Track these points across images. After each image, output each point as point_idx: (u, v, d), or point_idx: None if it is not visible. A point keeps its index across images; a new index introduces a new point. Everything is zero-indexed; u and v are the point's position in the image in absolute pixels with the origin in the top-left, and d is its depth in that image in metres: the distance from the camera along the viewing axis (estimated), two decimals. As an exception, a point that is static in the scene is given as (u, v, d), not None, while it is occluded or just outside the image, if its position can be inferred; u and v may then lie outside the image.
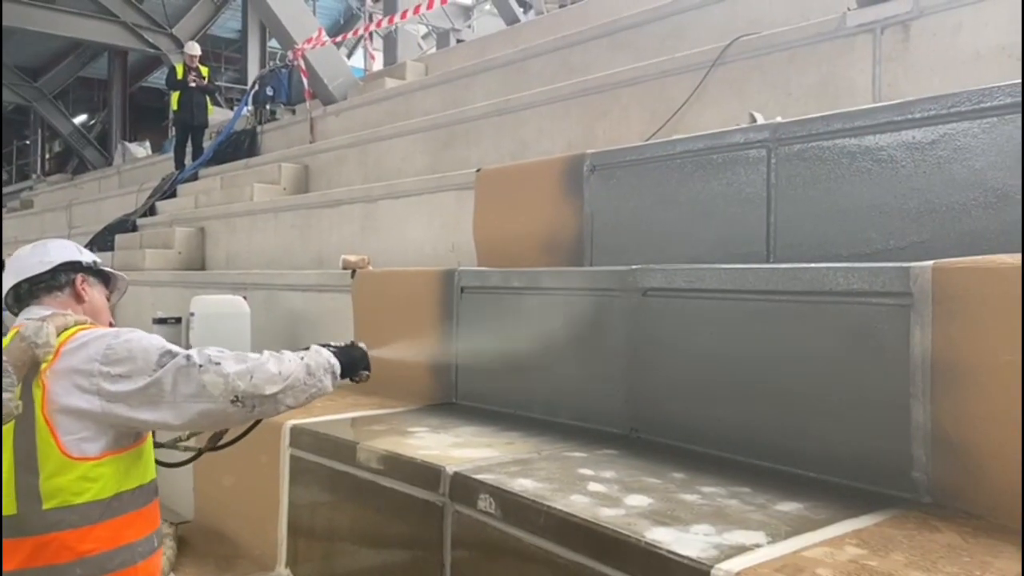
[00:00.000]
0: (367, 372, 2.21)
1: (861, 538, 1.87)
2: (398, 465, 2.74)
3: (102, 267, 2.19)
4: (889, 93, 3.93)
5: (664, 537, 1.89)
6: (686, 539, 1.88)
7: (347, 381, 2.15)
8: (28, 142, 28.07)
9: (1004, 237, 2.54)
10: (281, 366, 1.91)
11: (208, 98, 11.59)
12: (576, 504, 2.15)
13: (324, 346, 2.12)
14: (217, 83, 15.72)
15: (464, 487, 2.45)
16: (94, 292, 2.13)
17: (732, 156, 3.35)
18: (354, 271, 4.57)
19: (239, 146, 10.99)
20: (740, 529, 1.94)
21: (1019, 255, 2.02)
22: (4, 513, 1.76)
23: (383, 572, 2.83)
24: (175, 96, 11.32)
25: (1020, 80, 2.56)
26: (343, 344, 2.20)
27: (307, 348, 2.10)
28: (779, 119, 3.47)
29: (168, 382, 1.79)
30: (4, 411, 1.72)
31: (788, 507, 2.11)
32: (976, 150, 2.66)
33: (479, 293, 3.68)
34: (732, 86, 4.69)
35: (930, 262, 2.15)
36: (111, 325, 2.11)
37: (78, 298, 2.07)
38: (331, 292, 4.96)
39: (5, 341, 1.87)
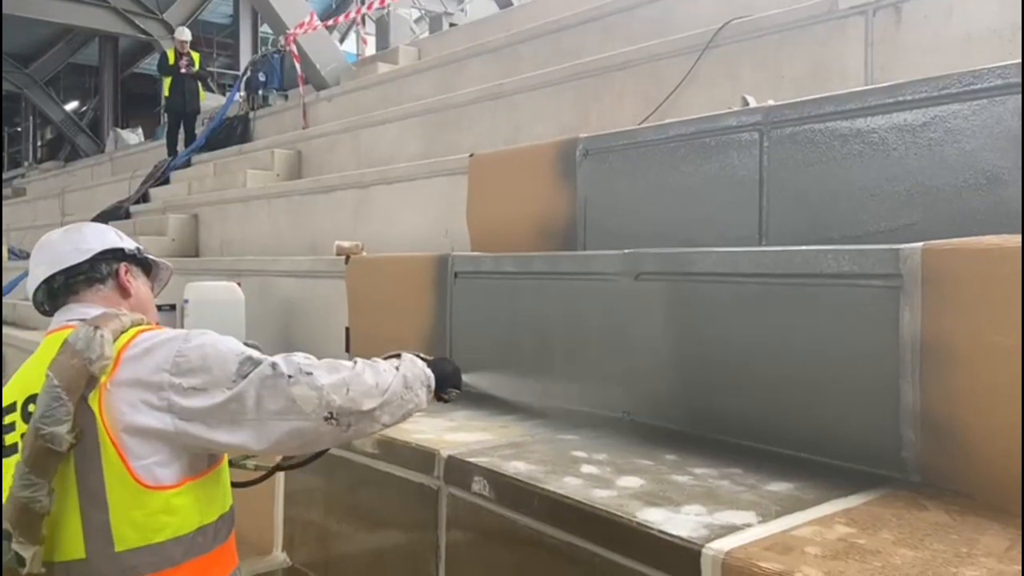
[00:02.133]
0: (457, 391, 2.01)
1: (850, 517, 1.89)
2: (393, 449, 2.75)
3: (146, 255, 1.93)
4: (881, 76, 3.93)
5: (655, 517, 1.91)
6: (677, 519, 1.90)
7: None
8: (19, 129, 27.93)
9: (994, 219, 2.55)
10: (378, 377, 1.66)
11: (200, 84, 11.53)
12: (569, 486, 2.16)
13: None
14: (209, 69, 15.64)
15: (458, 470, 2.47)
16: (139, 284, 1.87)
17: (725, 140, 3.35)
18: (347, 257, 4.57)
19: (232, 132, 10.95)
20: (731, 509, 1.96)
21: (1010, 236, 2.03)
22: (70, 557, 1.49)
23: (378, 555, 2.85)
24: (166, 82, 11.27)
25: (1020, 61, 2.56)
26: (431, 358, 1.98)
27: (397, 355, 1.85)
28: (771, 102, 3.47)
29: (251, 396, 1.51)
30: (58, 444, 1.43)
31: (778, 487, 2.13)
32: (967, 132, 2.66)
33: (473, 278, 3.69)
34: (725, 69, 4.69)
35: (920, 244, 2.16)
36: (156, 323, 1.84)
37: (123, 291, 1.80)
38: (325, 278, 4.96)
39: (49, 351, 1.56)
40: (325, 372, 1.58)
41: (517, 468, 2.34)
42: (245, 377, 1.52)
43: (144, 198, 10.55)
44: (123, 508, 1.48)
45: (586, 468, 2.34)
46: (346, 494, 3.01)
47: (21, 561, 1.42)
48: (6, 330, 7.28)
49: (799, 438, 2.40)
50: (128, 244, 1.87)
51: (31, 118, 26.89)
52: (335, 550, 3.05)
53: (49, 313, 1.76)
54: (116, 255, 1.82)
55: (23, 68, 23.15)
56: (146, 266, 1.94)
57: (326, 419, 1.55)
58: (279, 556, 3.24)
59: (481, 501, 2.36)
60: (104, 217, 10.20)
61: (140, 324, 1.66)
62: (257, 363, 1.55)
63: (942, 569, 1.57)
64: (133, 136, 17.45)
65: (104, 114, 21.32)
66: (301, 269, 5.39)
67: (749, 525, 1.85)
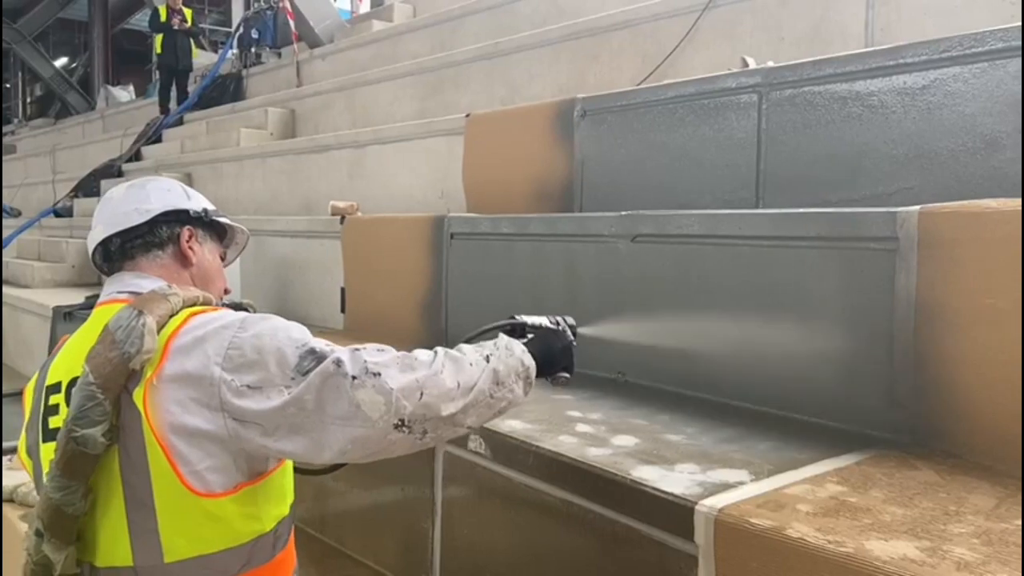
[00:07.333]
0: (567, 375, 1.72)
1: (842, 476, 1.92)
2: (389, 408, 2.77)
3: (216, 217, 1.70)
4: (882, 37, 3.90)
5: (650, 475, 1.93)
6: (671, 477, 1.92)
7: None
8: (8, 85, 27.58)
9: (992, 183, 2.56)
10: (461, 374, 1.42)
11: (192, 41, 11.38)
12: (564, 444, 2.19)
13: (512, 330, 1.67)
14: (201, 25, 15.42)
15: (454, 429, 2.49)
16: (204, 250, 1.66)
17: (723, 101, 3.33)
18: (343, 217, 4.56)
19: (224, 90, 10.85)
20: (724, 468, 1.99)
21: (1007, 200, 2.04)
22: (116, 563, 1.36)
23: (376, 511, 2.89)
24: (158, 39, 11.14)
25: (1020, 24, 2.54)
26: (540, 322, 1.71)
27: (491, 333, 1.62)
28: (771, 64, 3.45)
29: (311, 400, 1.31)
30: (91, 447, 1.30)
31: (771, 447, 2.16)
32: (967, 96, 2.65)
33: (469, 239, 3.68)
34: (724, 30, 4.64)
35: (916, 207, 2.17)
36: (226, 292, 1.70)
37: (184, 259, 1.61)
38: (320, 238, 4.95)
39: (95, 329, 1.39)
40: (397, 371, 1.36)
41: (513, 427, 2.36)
42: (305, 375, 1.32)
43: (136, 156, 10.46)
44: (172, 517, 1.34)
45: (581, 427, 2.37)
46: (343, 452, 3.04)
47: (49, 565, 1.33)
48: (-1, 288, 7.26)
49: (792, 399, 2.43)
50: (195, 204, 1.66)
51: (20, 74, 26.53)
52: (332, 507, 3.09)
53: (108, 274, 1.61)
54: (179, 217, 1.62)
55: (11, 23, 22.76)
56: (217, 230, 1.73)
57: (396, 427, 1.34)
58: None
59: (477, 459, 2.39)
60: (96, 176, 10.14)
61: (195, 303, 1.47)
62: (320, 358, 1.33)
63: (931, 526, 1.60)
64: (124, 93, 17.27)
65: (95, 71, 21.05)
66: (296, 229, 5.37)
67: (742, 483, 1.88)
